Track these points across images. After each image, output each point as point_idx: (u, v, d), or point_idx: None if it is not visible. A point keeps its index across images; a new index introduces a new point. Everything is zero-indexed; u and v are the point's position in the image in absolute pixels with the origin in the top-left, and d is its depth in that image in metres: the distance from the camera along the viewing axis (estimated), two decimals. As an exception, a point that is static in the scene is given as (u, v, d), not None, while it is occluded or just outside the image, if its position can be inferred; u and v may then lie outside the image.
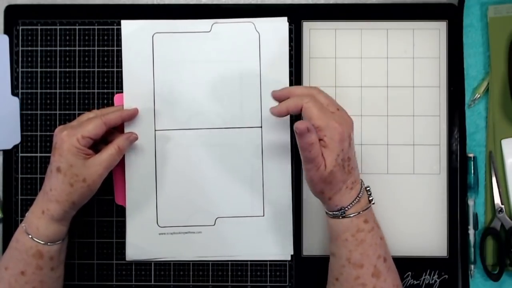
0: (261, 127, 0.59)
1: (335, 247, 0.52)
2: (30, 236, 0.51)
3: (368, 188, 0.53)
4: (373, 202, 0.52)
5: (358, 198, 0.51)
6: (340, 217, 0.51)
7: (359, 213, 0.50)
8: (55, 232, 0.52)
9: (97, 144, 0.54)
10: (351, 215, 0.50)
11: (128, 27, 0.59)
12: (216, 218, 0.59)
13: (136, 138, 0.57)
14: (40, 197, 0.52)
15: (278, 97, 0.55)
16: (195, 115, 0.59)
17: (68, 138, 0.51)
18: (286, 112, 0.52)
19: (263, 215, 0.59)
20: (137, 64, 0.59)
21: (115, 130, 0.57)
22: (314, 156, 0.48)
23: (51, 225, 0.51)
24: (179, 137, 0.59)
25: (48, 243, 0.51)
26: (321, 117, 0.49)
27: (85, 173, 0.51)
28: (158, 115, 0.59)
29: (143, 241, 0.59)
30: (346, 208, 0.50)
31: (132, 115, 0.57)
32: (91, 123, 0.52)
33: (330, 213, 0.52)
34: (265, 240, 0.59)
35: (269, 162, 0.59)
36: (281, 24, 0.59)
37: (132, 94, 0.59)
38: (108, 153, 0.53)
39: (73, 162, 0.51)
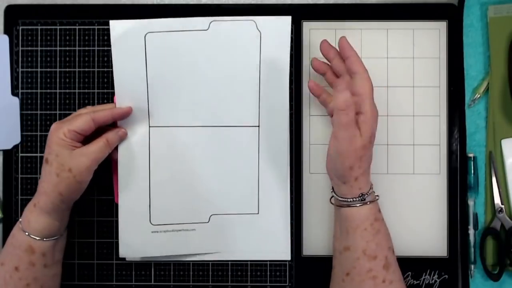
0: (259, 126, 0.58)
1: (352, 239, 0.51)
2: (23, 230, 0.51)
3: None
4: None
5: (372, 186, 0.51)
6: (359, 204, 0.50)
7: (374, 200, 0.51)
8: (45, 226, 0.51)
9: (90, 141, 0.54)
10: (370, 202, 0.50)
11: (117, 27, 0.57)
12: (210, 215, 0.59)
13: (125, 134, 0.57)
14: (36, 192, 0.53)
15: (347, 50, 0.52)
16: (191, 112, 0.58)
17: (56, 131, 0.52)
18: (350, 54, 0.51)
19: (258, 213, 0.59)
20: (129, 66, 0.57)
21: (108, 127, 0.57)
22: (349, 120, 0.48)
23: (41, 218, 0.51)
24: (173, 134, 0.58)
25: (39, 238, 0.51)
26: (372, 92, 0.51)
27: (71, 163, 0.51)
28: (152, 111, 0.58)
29: (136, 239, 0.59)
30: (366, 195, 0.50)
31: (124, 114, 0.57)
32: (79, 118, 0.52)
33: (349, 200, 0.51)
34: (260, 238, 0.59)
35: (266, 161, 0.59)
36: (284, 23, 0.57)
37: (124, 97, 0.57)
38: (96, 146, 0.53)
39: (58, 152, 0.51)
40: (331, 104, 0.54)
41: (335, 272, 0.53)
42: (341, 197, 0.52)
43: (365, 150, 0.50)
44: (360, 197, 0.50)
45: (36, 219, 0.51)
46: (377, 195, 0.52)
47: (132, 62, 0.57)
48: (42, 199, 0.51)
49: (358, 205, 0.50)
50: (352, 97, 0.49)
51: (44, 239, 0.52)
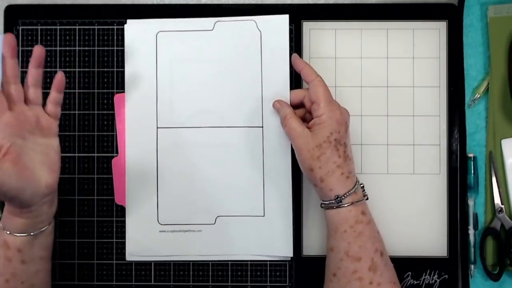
0: (262, 127, 0.59)
1: (334, 240, 0.52)
2: (1, 225, 0.51)
3: (362, 185, 0.53)
4: (367, 198, 0.53)
5: (354, 188, 0.51)
6: (336, 206, 0.51)
7: (354, 203, 0.51)
8: (19, 223, 0.50)
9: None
10: (348, 205, 0.51)
11: (133, 25, 0.59)
12: (217, 217, 0.59)
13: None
14: None
15: (298, 64, 0.56)
16: (197, 114, 0.59)
17: None
18: (302, 67, 0.55)
19: (264, 215, 0.59)
20: (141, 62, 0.59)
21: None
22: (290, 129, 0.53)
23: (12, 217, 0.50)
24: (181, 135, 0.59)
25: (13, 233, 0.50)
26: (327, 96, 0.53)
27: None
28: (160, 112, 0.59)
29: (144, 239, 0.59)
30: (343, 197, 0.51)
31: (9, 48, 0.49)
32: None
33: (327, 202, 0.52)
34: (265, 240, 0.59)
35: (270, 162, 0.59)
36: (282, 22, 0.59)
37: (135, 92, 0.59)
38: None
39: None
40: None
41: (325, 272, 0.54)
42: (321, 200, 0.53)
43: (321, 149, 0.51)
44: (335, 199, 0.51)
45: (10, 217, 0.50)
46: (366, 197, 0.53)
47: (144, 61, 0.59)
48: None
49: (334, 207, 0.51)
50: (312, 105, 0.53)
51: (17, 234, 0.50)
